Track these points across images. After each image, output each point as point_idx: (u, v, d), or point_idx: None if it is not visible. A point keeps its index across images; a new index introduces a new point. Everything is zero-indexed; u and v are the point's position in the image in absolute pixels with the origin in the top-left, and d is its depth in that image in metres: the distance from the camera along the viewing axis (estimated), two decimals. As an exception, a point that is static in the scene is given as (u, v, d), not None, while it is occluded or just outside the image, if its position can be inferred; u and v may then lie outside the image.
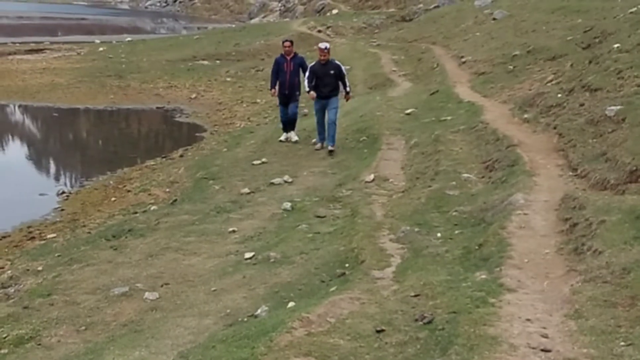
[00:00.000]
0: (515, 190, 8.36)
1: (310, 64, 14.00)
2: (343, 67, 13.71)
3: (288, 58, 14.31)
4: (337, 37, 37.35)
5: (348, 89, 13.96)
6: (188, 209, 10.89)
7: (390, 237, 7.83)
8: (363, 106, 17.43)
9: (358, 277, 6.63)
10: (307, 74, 13.65)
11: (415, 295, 5.82)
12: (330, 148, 13.46)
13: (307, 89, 13.52)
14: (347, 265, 7.30)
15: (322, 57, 13.45)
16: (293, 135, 14.70)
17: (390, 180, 10.90)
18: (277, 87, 14.41)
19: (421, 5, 41.59)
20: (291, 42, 14.80)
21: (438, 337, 4.98)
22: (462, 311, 5.27)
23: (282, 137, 14.80)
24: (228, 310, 6.70)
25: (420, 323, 5.29)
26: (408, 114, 15.39)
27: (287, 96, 14.36)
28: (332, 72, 13.42)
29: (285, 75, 14.24)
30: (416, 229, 7.95)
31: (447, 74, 19.45)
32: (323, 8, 57.07)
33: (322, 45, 13.80)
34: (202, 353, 5.19)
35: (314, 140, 14.43)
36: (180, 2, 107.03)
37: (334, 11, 52.55)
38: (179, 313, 6.82)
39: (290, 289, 6.99)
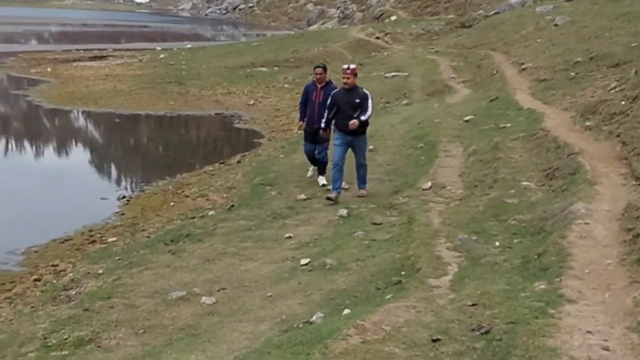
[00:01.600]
0: (577, 199, 8.18)
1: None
2: (370, 97, 10.92)
3: (319, 86, 12.06)
4: (395, 43, 37.28)
5: (364, 116, 10.77)
6: (245, 215, 10.97)
7: (447, 245, 7.75)
8: (421, 113, 17.32)
9: (414, 285, 6.57)
10: (328, 103, 11.19)
11: (473, 305, 5.74)
12: (361, 192, 11.21)
13: (323, 123, 11.26)
14: (403, 272, 7.25)
15: (346, 81, 10.91)
16: (322, 179, 12.30)
17: (448, 187, 10.80)
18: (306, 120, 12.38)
19: (481, 11, 41.23)
20: (324, 67, 12.29)
21: (495, 347, 4.90)
22: (520, 322, 5.17)
23: (309, 173, 12.91)
24: (283, 316, 6.72)
25: (477, 333, 5.21)
26: (466, 121, 15.23)
27: (316, 132, 11.90)
28: (357, 100, 10.78)
29: (313, 107, 12.04)
30: (474, 237, 7.85)
31: (507, 81, 19.20)
32: (382, 14, 57.04)
33: (347, 65, 11.23)
34: (258, 358, 5.21)
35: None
36: (240, 9, 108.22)
37: (393, 18, 52.48)
38: (235, 318, 6.86)
39: (346, 296, 6.97)
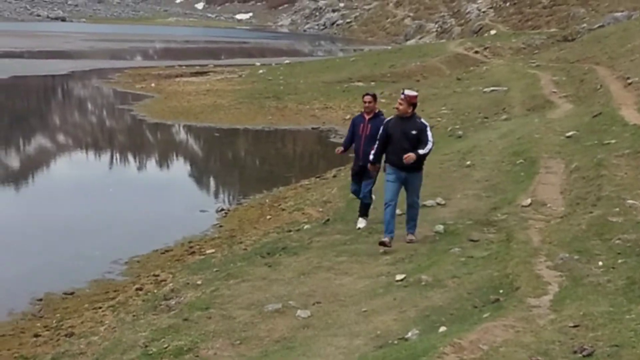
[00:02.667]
0: (686, 219, 7.83)
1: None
2: (429, 128, 9.57)
3: (367, 118, 10.65)
4: (494, 57, 36.74)
5: (422, 150, 9.35)
6: (340, 229, 10.98)
7: (547, 264, 7.54)
8: (520, 128, 16.97)
9: (513, 304, 6.42)
10: (379, 134, 9.77)
11: (574, 326, 5.56)
12: (409, 238, 9.73)
13: (372, 156, 9.87)
14: (501, 291, 7.09)
15: (398, 106, 9.47)
16: (361, 222, 10.94)
17: (549, 205, 10.51)
18: (350, 152, 11.29)
19: (584, 24, 40.23)
20: (373, 96, 10.85)
21: (598, 371, 4.73)
22: (625, 345, 4.98)
23: (359, 224, 11.03)
24: (378, 332, 6.67)
25: (580, 355, 5.04)
26: (568, 136, 14.81)
27: (361, 169, 10.71)
28: (413, 132, 9.36)
29: (359, 142, 10.66)
30: (576, 257, 7.62)
31: (612, 96, 18.59)
32: (481, 29, 56.39)
33: (405, 90, 9.65)
34: (352, 374, 5.19)
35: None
36: (337, 25, 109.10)
37: (492, 32, 51.80)
38: (330, 332, 6.86)
39: (442, 313, 6.87)
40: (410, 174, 9.55)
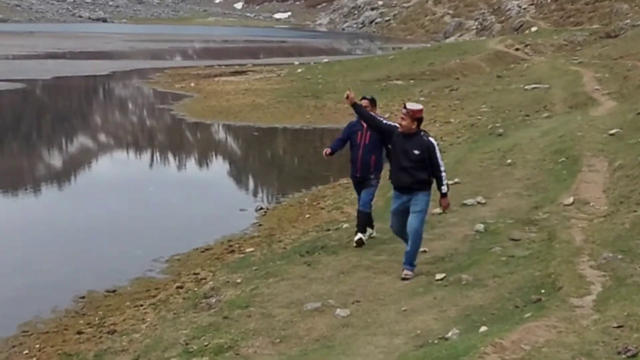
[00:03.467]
0: None
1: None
2: (437, 148, 8.30)
3: (364, 125, 9.48)
4: (535, 55, 36.37)
5: (444, 187, 8.32)
6: (379, 228, 10.91)
7: (590, 264, 7.43)
8: (562, 126, 16.75)
9: (555, 304, 6.34)
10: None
11: (618, 327, 5.47)
12: (405, 273, 8.35)
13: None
14: (543, 291, 7.01)
15: (400, 122, 8.37)
16: (357, 236, 9.72)
17: (591, 203, 10.36)
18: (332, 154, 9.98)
19: (628, 20, 39.60)
20: (371, 100, 9.70)
21: (643, 373, 4.65)
22: (671, 347, 4.88)
23: (369, 234, 10.06)
24: (418, 331, 6.64)
25: (624, 356, 4.97)
26: (612, 134, 14.58)
27: (359, 181, 9.82)
28: (416, 152, 8.20)
29: (357, 150, 9.62)
30: (619, 256, 7.49)
31: (656, 92, 18.28)
32: (521, 26, 55.82)
33: (408, 105, 8.42)
34: (392, 373, 5.17)
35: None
36: (376, 23, 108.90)
37: (533, 29, 51.25)
38: (369, 331, 6.85)
39: (483, 313, 6.81)
40: (413, 196, 8.35)
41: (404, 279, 8.22)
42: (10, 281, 10.68)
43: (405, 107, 8.30)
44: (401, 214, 8.57)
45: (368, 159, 9.52)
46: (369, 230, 9.95)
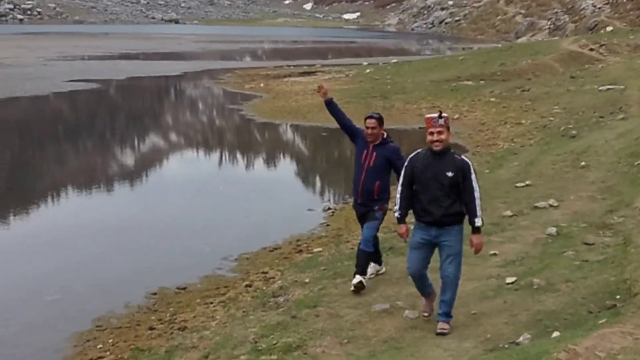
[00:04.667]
0: None
1: (411, 155, 6.99)
2: (473, 169, 6.73)
3: (371, 145, 8.30)
4: (610, 55, 35.50)
5: (478, 220, 6.72)
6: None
7: (668, 270, 7.20)
8: (638, 128, 16.30)
9: (631, 310, 6.17)
10: (401, 176, 7.06)
11: (698, 336, 5.29)
12: (441, 327, 6.85)
13: (396, 212, 7.03)
14: (618, 296, 6.83)
15: (431, 138, 6.66)
16: (356, 279, 8.21)
17: (669, 208, 10.05)
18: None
19: None
20: (379, 119, 8.29)
21: None
22: None
23: (370, 270, 8.63)
24: (488, 335, 6.56)
25: None
26: (690, 136, 14.14)
27: (362, 212, 8.48)
28: (449, 174, 6.63)
29: (360, 173, 8.30)
30: (699, 263, 7.25)
31: None
32: (596, 25, 54.60)
33: (432, 116, 6.73)
34: (462, 377, 5.11)
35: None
36: (446, 23, 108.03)
37: (608, 28, 50.06)
38: (438, 334, 6.79)
39: (555, 318, 6.67)
40: (444, 231, 6.72)
41: (439, 333, 6.74)
42: (85, 277, 10.96)
43: (435, 121, 6.59)
44: (425, 249, 6.89)
45: (371, 185, 8.21)
46: (375, 266, 8.69)
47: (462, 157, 6.77)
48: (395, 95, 29.32)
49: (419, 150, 6.86)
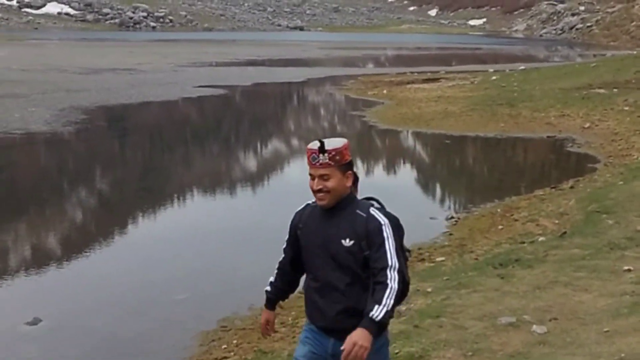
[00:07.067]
0: None
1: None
2: (389, 232, 4.04)
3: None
4: None
5: (378, 310, 3.80)
6: (578, 243, 10.43)
7: None
8: None
9: None
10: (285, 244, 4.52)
11: None
12: None
13: (267, 288, 4.66)
14: None
15: (315, 191, 4.12)
16: None
17: None
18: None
19: None
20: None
21: None
22: None
23: None
24: (622, 355, 6.22)
25: None
26: None
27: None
28: (346, 242, 4.01)
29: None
30: None
31: None
32: None
33: (311, 148, 4.09)
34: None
35: None
36: (577, 29, 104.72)
37: None
38: (568, 350, 6.50)
39: (696, 340, 6.27)
40: (335, 341, 4.05)
41: None
42: (212, 278, 11.22)
43: (321, 150, 4.01)
44: (306, 349, 4.24)
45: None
46: None
47: (374, 212, 4.05)
48: (522, 103, 28.56)
49: (309, 202, 4.31)
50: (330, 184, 4.04)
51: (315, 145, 4.02)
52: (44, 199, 17.20)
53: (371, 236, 3.99)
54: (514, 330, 7.08)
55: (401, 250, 4.06)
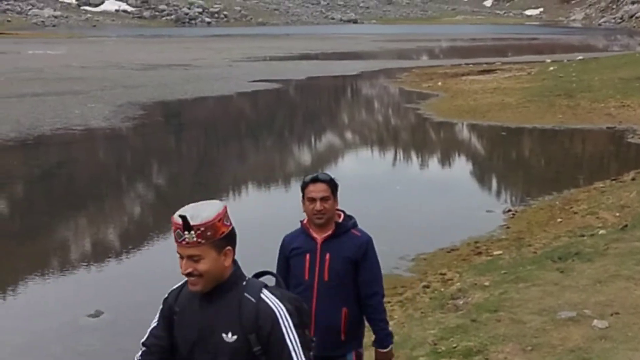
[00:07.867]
0: None
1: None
2: (287, 322, 3.05)
3: (318, 238, 4.73)
4: None
5: None
6: (638, 236, 10.21)
7: None
8: None
9: None
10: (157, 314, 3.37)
11: None
12: None
13: None
14: None
15: (184, 274, 3.09)
16: None
17: None
18: None
19: None
20: (329, 182, 4.70)
21: None
22: None
23: None
24: (687, 351, 6.08)
25: None
26: None
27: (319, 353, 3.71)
28: (228, 337, 3.07)
29: (310, 294, 4.64)
30: None
31: None
32: None
33: (176, 222, 3.02)
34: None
35: None
36: (637, 17, 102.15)
37: None
38: (630, 345, 6.37)
39: None
40: None
41: None
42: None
43: (185, 227, 2.99)
44: None
45: (333, 315, 4.67)
46: None
47: (266, 296, 3.11)
48: (580, 94, 28.04)
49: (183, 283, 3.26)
50: (201, 266, 3.04)
51: (178, 219, 3.02)
52: (103, 193, 17.54)
53: (263, 330, 3.04)
54: (574, 325, 6.96)
55: (304, 340, 3.12)
